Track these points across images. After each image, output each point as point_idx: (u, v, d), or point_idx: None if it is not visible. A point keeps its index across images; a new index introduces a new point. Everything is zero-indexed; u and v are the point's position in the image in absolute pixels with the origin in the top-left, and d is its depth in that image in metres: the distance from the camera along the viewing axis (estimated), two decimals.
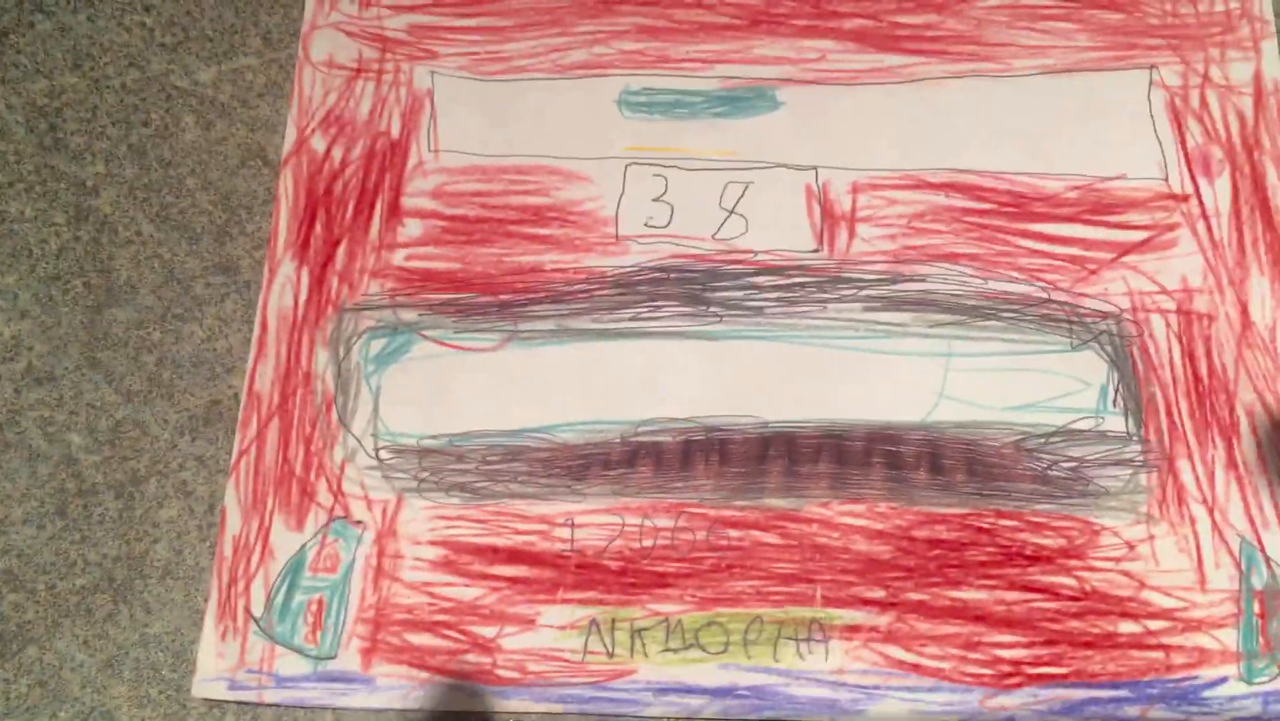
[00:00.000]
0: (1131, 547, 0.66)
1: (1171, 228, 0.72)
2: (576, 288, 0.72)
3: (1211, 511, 0.66)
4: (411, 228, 0.73)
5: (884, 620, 0.65)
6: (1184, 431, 0.68)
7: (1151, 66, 0.76)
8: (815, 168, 0.74)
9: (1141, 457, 0.68)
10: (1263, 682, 0.63)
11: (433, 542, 0.67)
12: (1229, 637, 0.64)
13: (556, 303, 0.72)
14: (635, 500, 0.68)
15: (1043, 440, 0.68)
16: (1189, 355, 0.69)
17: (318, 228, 0.73)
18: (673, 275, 0.72)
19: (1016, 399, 0.69)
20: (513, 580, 0.66)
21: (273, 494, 0.67)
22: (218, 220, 0.74)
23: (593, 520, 0.67)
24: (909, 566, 0.66)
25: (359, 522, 0.67)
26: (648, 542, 0.67)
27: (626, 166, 0.74)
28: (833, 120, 0.75)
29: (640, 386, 0.70)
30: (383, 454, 0.68)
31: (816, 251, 0.72)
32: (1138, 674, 0.64)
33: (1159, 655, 0.64)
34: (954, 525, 0.67)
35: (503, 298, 0.72)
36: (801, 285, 0.72)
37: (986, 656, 0.64)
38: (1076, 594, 0.65)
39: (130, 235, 0.73)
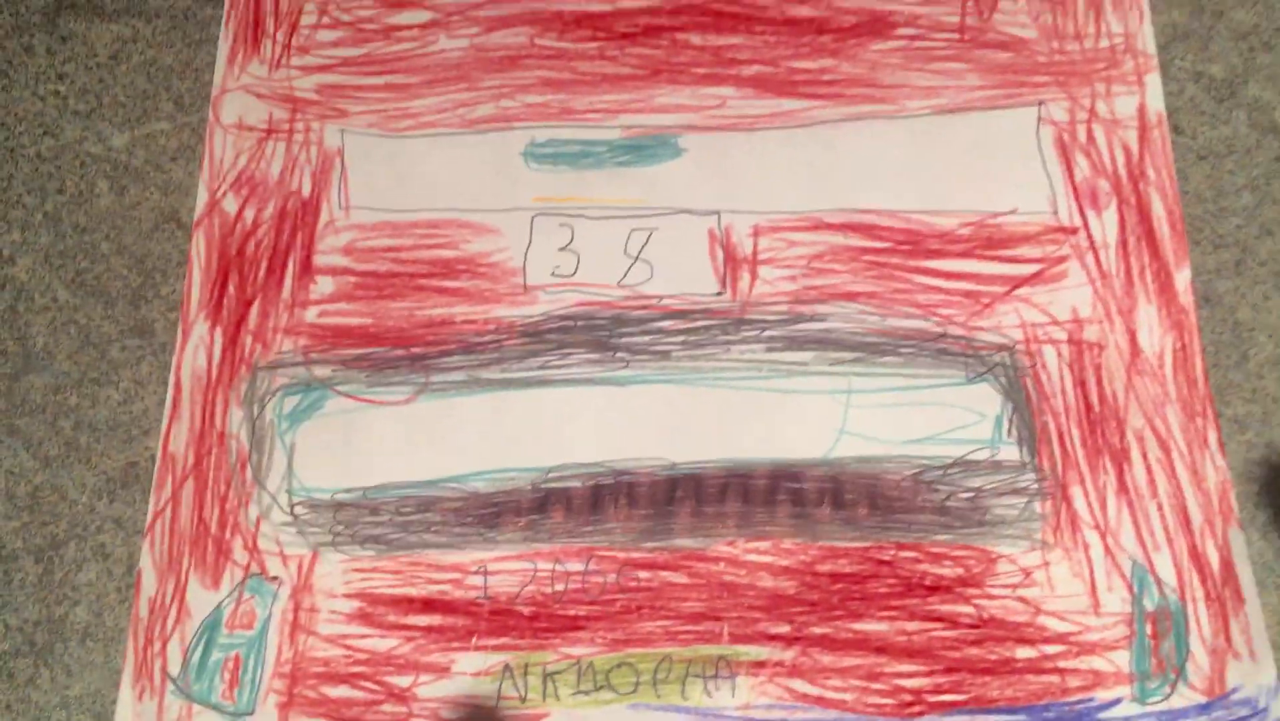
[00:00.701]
0: (1027, 574, 0.68)
1: (1061, 260, 0.75)
2: (486, 338, 0.74)
3: (1104, 536, 0.69)
4: (324, 285, 0.75)
5: (789, 655, 0.67)
6: (1076, 458, 0.70)
7: (1039, 103, 0.78)
8: (718, 212, 0.76)
9: (1036, 485, 0.70)
10: (1156, 702, 0.65)
11: (348, 595, 0.68)
12: (1122, 659, 0.66)
13: (467, 354, 0.73)
14: (547, 545, 0.69)
15: (941, 472, 0.70)
16: (1080, 384, 0.72)
17: (230, 288, 0.74)
18: (580, 323, 0.74)
19: (915, 432, 0.71)
20: (427, 629, 0.68)
21: (188, 553, 0.69)
22: (133, 284, 0.75)
23: (505, 566, 0.69)
24: (813, 601, 0.68)
25: (275, 579, 0.68)
26: (559, 587, 0.68)
27: (533, 217, 0.76)
28: (734, 165, 0.78)
29: (549, 433, 0.71)
30: (297, 509, 0.70)
31: (720, 294, 0.74)
32: (1034, 698, 0.66)
33: (1055, 679, 0.66)
34: (856, 558, 0.69)
35: (414, 350, 0.73)
36: (705, 328, 0.74)
37: (888, 686, 0.66)
38: (975, 621, 0.67)
39: (46, 302, 0.75)
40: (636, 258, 0.75)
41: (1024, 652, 0.66)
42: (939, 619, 0.67)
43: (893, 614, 0.68)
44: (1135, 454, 0.70)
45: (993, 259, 0.75)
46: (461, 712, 0.66)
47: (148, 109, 0.79)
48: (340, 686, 0.66)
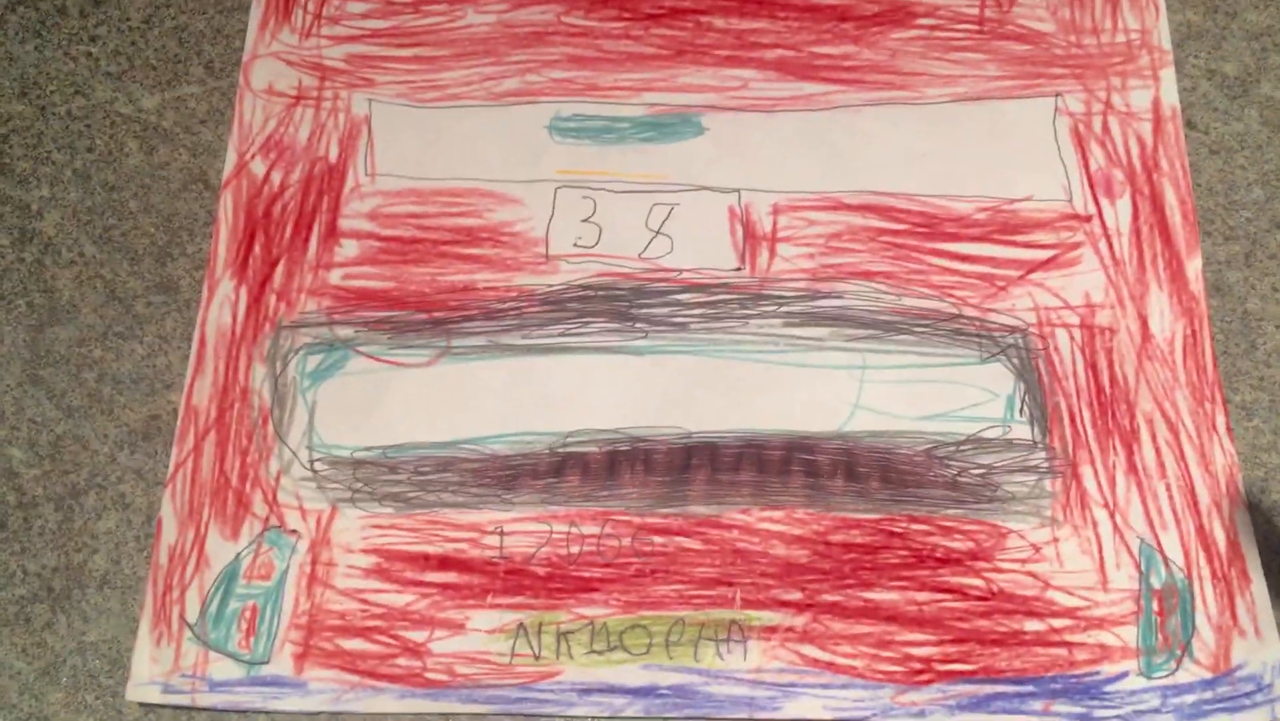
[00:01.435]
0: (1037, 550, 0.69)
1: (1075, 246, 0.76)
2: (508, 305, 0.75)
3: (1113, 514, 0.70)
4: (348, 248, 0.76)
5: (800, 621, 0.68)
6: (1087, 439, 0.71)
7: (1056, 94, 0.80)
8: (738, 190, 0.78)
9: (1046, 464, 0.71)
10: (1161, 677, 0.66)
11: (365, 550, 0.69)
12: (1129, 634, 0.67)
13: (488, 319, 0.74)
14: (563, 508, 0.70)
15: (953, 448, 0.71)
16: (1092, 367, 0.73)
17: (256, 248, 0.75)
18: (600, 293, 0.75)
19: (928, 409, 0.72)
20: (443, 586, 0.68)
21: (208, 504, 0.69)
22: (159, 242, 0.76)
23: (521, 528, 0.69)
24: (825, 569, 0.69)
25: (293, 532, 0.69)
26: (574, 549, 0.69)
27: (557, 189, 0.77)
28: (755, 145, 0.79)
29: (568, 399, 0.72)
30: (317, 465, 0.70)
31: (739, 270, 0.75)
32: (1042, 670, 0.66)
33: (1062, 651, 0.67)
34: (868, 530, 0.70)
35: (436, 315, 0.74)
36: (724, 302, 0.75)
37: (898, 654, 0.67)
38: (984, 594, 0.68)
39: (73, 256, 0.75)
40: (658, 231, 0.76)
41: (1032, 625, 0.67)
42: (949, 590, 0.68)
43: (903, 584, 0.68)
44: (1145, 436, 0.71)
45: (1008, 243, 0.76)
46: (475, 668, 0.66)
47: (178, 72, 0.81)
48: (355, 639, 0.67)
